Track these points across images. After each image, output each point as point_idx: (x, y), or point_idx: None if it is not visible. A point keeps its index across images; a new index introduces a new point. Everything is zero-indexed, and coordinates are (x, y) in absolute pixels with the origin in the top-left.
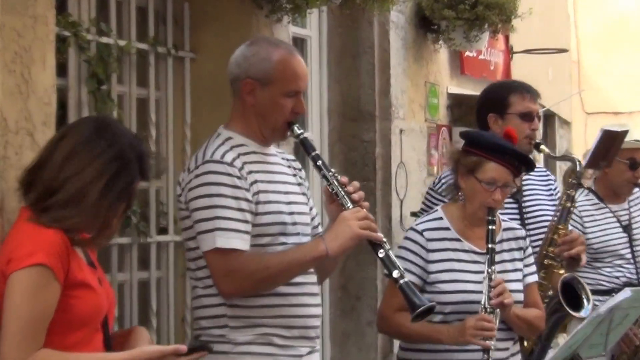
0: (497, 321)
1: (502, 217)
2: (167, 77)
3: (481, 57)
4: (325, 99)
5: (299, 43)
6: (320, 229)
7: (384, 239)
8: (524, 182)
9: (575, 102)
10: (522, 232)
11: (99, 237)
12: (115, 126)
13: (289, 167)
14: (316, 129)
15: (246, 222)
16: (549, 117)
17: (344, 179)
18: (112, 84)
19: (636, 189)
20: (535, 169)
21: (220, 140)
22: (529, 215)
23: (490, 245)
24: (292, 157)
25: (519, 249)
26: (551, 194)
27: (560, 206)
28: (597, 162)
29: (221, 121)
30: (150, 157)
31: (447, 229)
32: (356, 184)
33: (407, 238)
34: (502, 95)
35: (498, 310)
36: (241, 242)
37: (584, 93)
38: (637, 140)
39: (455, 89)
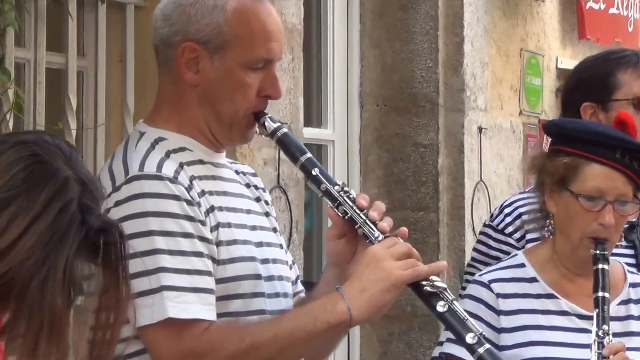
0: None
1: (623, 264)
2: (98, 35)
3: (612, 10)
4: (354, 77)
5: None
6: (300, 286)
7: (444, 285)
8: None
9: None
10: None
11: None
12: (52, 161)
13: (248, 186)
14: (339, 125)
15: (209, 274)
16: None
17: (362, 199)
18: (7, 47)
19: None
20: None
21: (147, 143)
22: None
23: (601, 294)
24: (249, 169)
25: None
26: None
27: None
28: None
29: None
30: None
31: (533, 280)
32: (380, 205)
33: (464, 296)
34: (604, 72)
35: None
36: (205, 309)
37: None
38: None
39: (570, 63)
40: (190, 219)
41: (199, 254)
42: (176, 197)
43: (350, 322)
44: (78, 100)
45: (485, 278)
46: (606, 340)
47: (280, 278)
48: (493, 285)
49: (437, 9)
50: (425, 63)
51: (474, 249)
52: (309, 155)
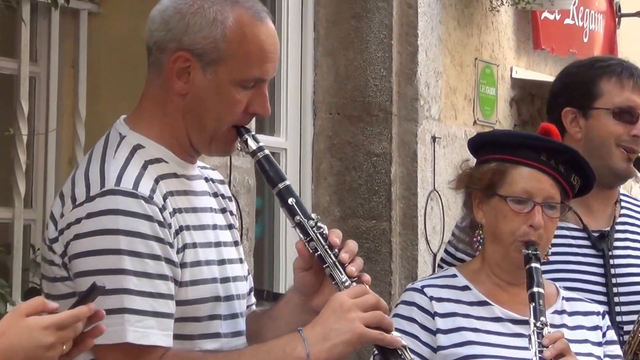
0: None
1: (555, 283)
2: (50, 41)
3: (568, 21)
4: (307, 85)
5: None
6: (253, 299)
7: (404, 343)
8: (619, 225)
9: None
10: (596, 307)
11: None
12: None
13: (215, 195)
14: (292, 133)
15: (170, 297)
16: None
17: (335, 237)
18: None
19: None
20: (637, 203)
21: (126, 151)
22: (622, 281)
23: (535, 290)
24: (217, 175)
25: (594, 328)
26: None
27: None
28: None
29: None
30: None
31: (466, 288)
32: (352, 245)
33: (400, 303)
34: (588, 79)
35: None
36: (163, 335)
37: None
38: None
39: (525, 73)
40: (160, 240)
41: (164, 277)
42: (149, 218)
43: None
44: (30, 105)
45: (418, 284)
46: (545, 330)
47: (238, 297)
48: (426, 290)
49: (391, 18)
50: (379, 72)
51: (443, 262)
52: (287, 182)
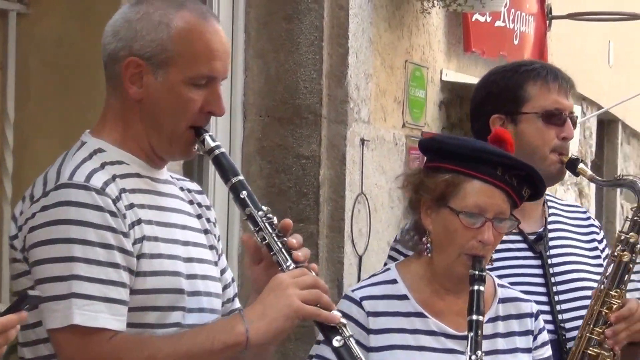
0: None
1: (496, 279)
2: None
3: (499, 23)
4: (238, 87)
5: None
6: (237, 304)
7: (343, 320)
8: (550, 225)
9: None
10: (530, 307)
11: None
12: None
13: (191, 202)
14: (222, 135)
15: (122, 285)
16: (609, 125)
17: (286, 224)
18: None
19: None
20: (568, 206)
21: (86, 153)
22: (559, 279)
23: (475, 317)
24: (195, 186)
25: (526, 332)
26: (594, 248)
27: (613, 260)
28: None
29: (68, 116)
30: None
31: (404, 297)
32: (299, 237)
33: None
34: (513, 85)
35: None
36: (113, 319)
37: None
38: None
39: (455, 76)
40: (112, 230)
41: (115, 265)
42: (99, 208)
43: (246, 344)
44: None
45: (357, 295)
46: None
47: (208, 294)
48: (364, 303)
49: (322, 19)
50: (309, 74)
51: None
52: (240, 177)
